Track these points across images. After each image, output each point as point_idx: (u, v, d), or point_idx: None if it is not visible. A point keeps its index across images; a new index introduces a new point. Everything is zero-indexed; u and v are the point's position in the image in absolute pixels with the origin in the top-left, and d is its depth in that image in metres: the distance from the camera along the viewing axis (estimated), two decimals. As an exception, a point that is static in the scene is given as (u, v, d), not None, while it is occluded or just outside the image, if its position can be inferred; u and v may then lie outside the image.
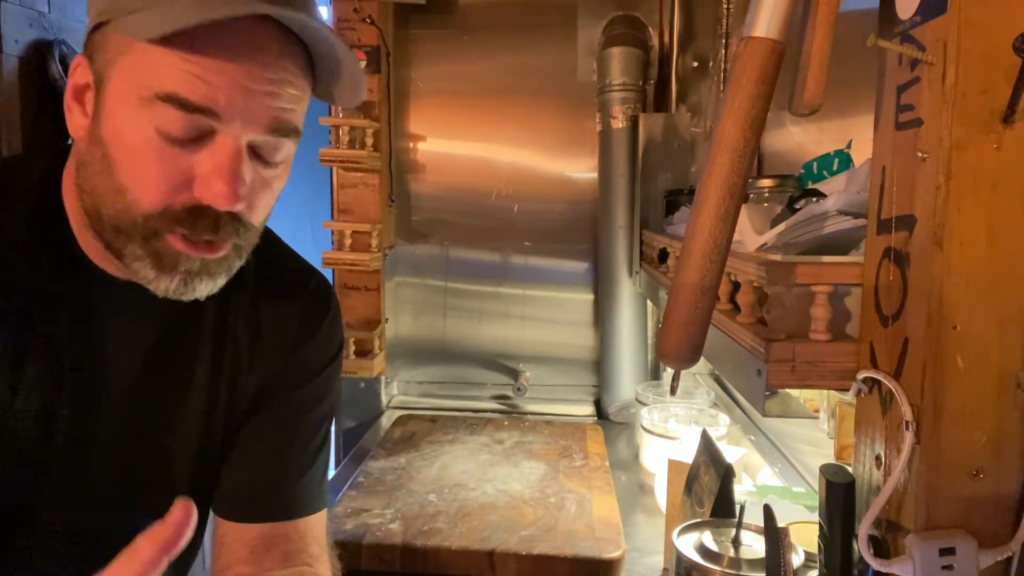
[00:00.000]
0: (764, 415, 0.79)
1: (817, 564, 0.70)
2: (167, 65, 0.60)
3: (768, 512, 0.77)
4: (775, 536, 0.76)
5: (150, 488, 0.78)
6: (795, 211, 0.82)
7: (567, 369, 2.22)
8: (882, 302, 0.64)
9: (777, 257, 0.72)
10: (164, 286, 0.66)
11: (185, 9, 0.59)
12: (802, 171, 1.00)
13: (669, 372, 1.11)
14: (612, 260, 2.01)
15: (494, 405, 2.18)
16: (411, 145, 2.19)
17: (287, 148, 0.68)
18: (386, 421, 2.03)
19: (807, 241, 0.76)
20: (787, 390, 1.05)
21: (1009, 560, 0.58)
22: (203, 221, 0.64)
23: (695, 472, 1.08)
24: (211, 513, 0.86)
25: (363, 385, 2.10)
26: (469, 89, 2.18)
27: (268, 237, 0.80)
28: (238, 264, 0.70)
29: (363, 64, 2.00)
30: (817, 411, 1.19)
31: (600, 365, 2.13)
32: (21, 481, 0.71)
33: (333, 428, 0.91)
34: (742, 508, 0.89)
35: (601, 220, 2.04)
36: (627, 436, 1.92)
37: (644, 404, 1.75)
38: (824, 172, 0.98)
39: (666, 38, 2.04)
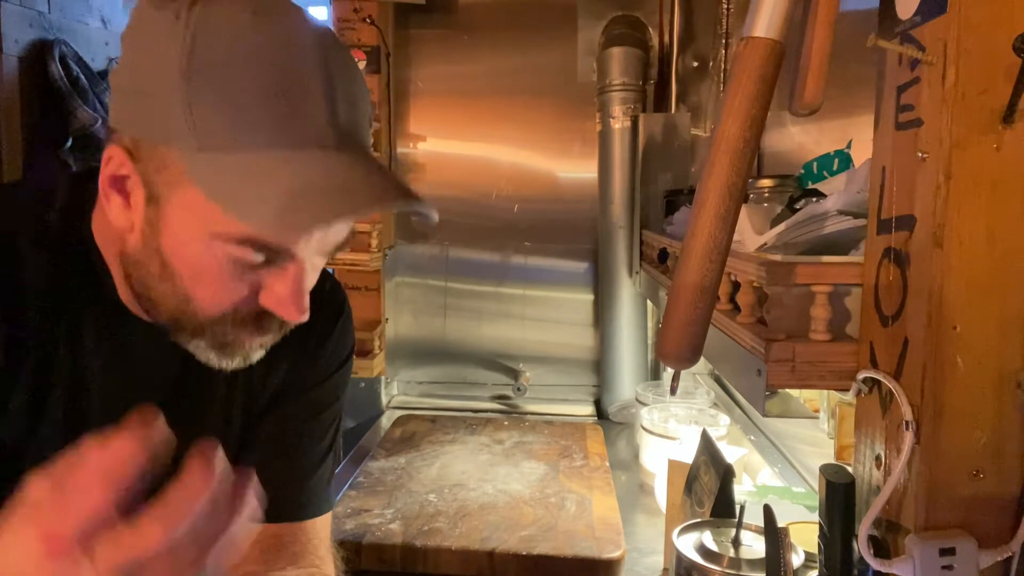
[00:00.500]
0: (764, 415, 0.79)
1: (817, 564, 0.70)
2: None
3: (768, 512, 0.77)
4: (775, 536, 0.76)
5: None
6: (795, 211, 0.82)
7: (567, 369, 2.22)
8: (882, 302, 0.64)
9: (777, 257, 0.72)
10: (225, 364, 0.67)
11: (281, 201, 0.56)
12: (802, 171, 1.00)
13: (669, 372, 1.11)
14: (612, 260, 2.01)
15: (494, 405, 2.18)
16: (411, 145, 2.19)
17: None
18: (386, 421, 2.02)
19: (807, 241, 0.76)
20: (787, 390, 1.05)
21: (1009, 560, 0.58)
22: (272, 325, 0.66)
23: (695, 472, 1.08)
24: None
25: (363, 385, 2.10)
26: (469, 89, 2.18)
27: None
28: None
29: (363, 64, 2.00)
30: (817, 411, 1.19)
31: (600, 365, 2.13)
32: None
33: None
34: (742, 508, 0.89)
35: (601, 220, 2.04)
36: (627, 436, 1.92)
37: (644, 404, 1.75)
38: (824, 172, 0.98)
39: (666, 38, 2.04)
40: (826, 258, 0.70)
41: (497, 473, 1.60)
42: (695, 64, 2.06)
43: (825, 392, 1.15)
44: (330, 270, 0.96)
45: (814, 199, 0.88)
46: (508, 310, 2.21)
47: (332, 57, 0.60)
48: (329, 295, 0.87)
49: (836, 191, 0.78)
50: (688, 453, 1.15)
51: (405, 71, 2.16)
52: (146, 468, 0.43)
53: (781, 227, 0.78)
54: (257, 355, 0.69)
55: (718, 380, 2.10)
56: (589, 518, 1.38)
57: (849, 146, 0.96)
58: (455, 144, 2.19)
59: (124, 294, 0.70)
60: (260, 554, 0.81)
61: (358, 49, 1.99)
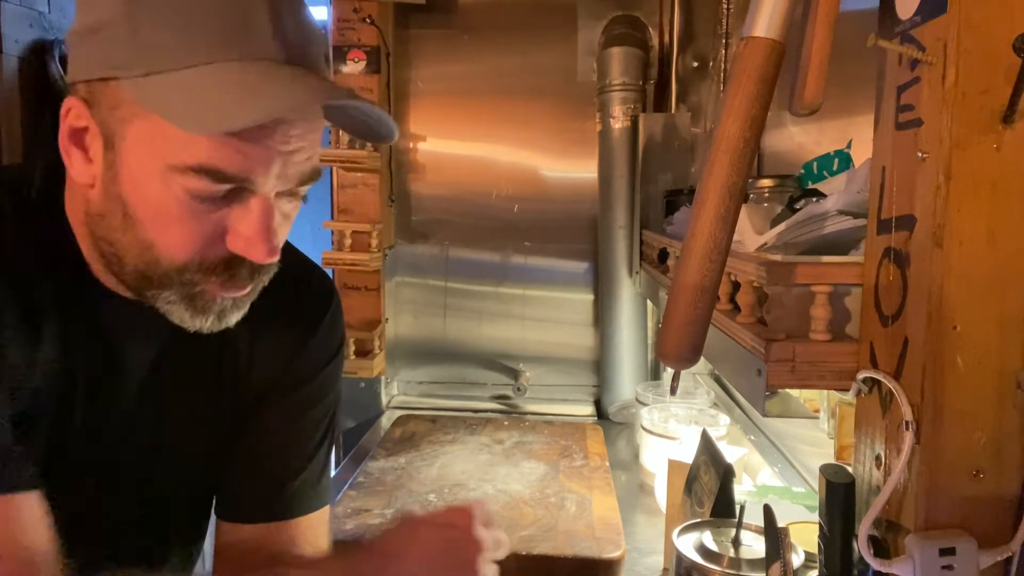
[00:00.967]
0: (764, 415, 0.79)
1: (817, 564, 0.70)
2: (198, 140, 0.59)
3: (768, 512, 0.77)
4: (775, 536, 0.76)
5: (160, 495, 0.79)
6: (795, 211, 0.82)
7: (567, 369, 2.22)
8: (882, 302, 0.64)
9: (777, 257, 0.72)
10: (199, 324, 0.67)
11: (225, 104, 0.57)
12: (802, 171, 1.00)
13: (669, 372, 1.11)
14: (612, 260, 2.01)
15: (494, 405, 2.18)
16: (411, 145, 2.19)
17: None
18: (386, 421, 2.03)
19: (807, 241, 0.76)
20: (787, 390, 1.05)
21: (1009, 560, 0.58)
22: (241, 271, 0.65)
23: (695, 472, 1.08)
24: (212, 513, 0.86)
25: (363, 385, 2.10)
26: (469, 89, 2.18)
27: None
28: (260, 288, 0.70)
29: (363, 64, 2.00)
30: (817, 411, 1.19)
31: (600, 365, 2.13)
32: None
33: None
34: (742, 508, 0.89)
35: (601, 220, 2.04)
36: (627, 436, 1.92)
37: (644, 404, 1.75)
38: (824, 172, 0.98)
39: (666, 38, 2.04)
40: (826, 258, 0.70)
41: (497, 473, 1.60)
42: (695, 64, 2.06)
43: (825, 392, 1.15)
44: (329, 271, 0.95)
45: (814, 199, 0.88)
46: (508, 310, 2.21)
47: None
48: (316, 287, 0.86)
49: (836, 191, 0.78)
50: (688, 453, 1.15)
51: (405, 71, 2.16)
52: None
53: (781, 227, 0.78)
54: (233, 317, 0.68)
55: (718, 380, 2.10)
56: (589, 518, 1.38)
57: (849, 146, 0.96)
58: (455, 144, 2.20)
59: (96, 265, 0.70)
60: (248, 553, 0.80)
61: (358, 49, 1.99)
